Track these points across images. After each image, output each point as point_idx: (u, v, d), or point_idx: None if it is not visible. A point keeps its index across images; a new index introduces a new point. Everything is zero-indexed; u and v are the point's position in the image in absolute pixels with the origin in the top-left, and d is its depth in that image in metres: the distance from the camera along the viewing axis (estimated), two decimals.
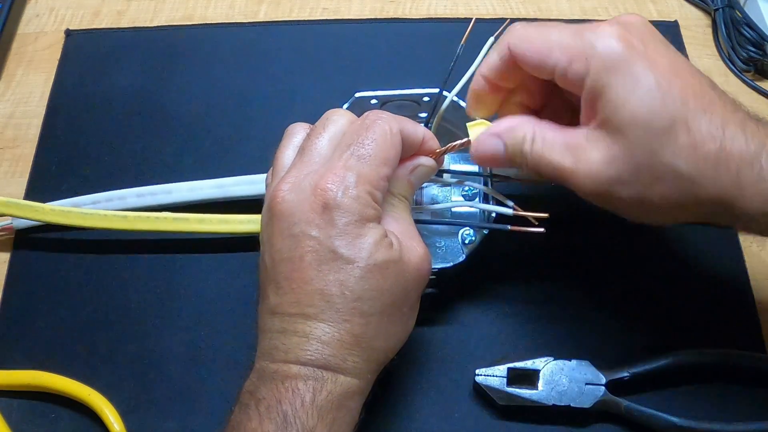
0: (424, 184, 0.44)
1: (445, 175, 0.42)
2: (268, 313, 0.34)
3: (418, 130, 0.37)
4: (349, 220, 0.33)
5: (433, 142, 0.38)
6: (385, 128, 0.35)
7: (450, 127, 0.45)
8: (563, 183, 0.35)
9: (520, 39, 0.36)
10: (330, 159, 0.35)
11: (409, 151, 0.37)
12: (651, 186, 0.33)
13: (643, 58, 0.33)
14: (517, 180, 0.43)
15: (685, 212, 0.34)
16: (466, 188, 0.44)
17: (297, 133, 0.38)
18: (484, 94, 0.39)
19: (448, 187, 0.45)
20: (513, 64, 0.36)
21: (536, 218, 0.38)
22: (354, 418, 0.34)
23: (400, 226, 0.36)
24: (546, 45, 0.35)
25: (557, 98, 0.39)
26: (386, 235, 0.34)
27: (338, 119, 0.37)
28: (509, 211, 0.39)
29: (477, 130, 0.38)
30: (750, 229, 0.34)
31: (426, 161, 0.37)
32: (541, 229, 0.38)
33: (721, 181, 0.32)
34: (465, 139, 0.38)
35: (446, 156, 0.44)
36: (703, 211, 0.34)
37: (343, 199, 0.33)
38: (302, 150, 0.36)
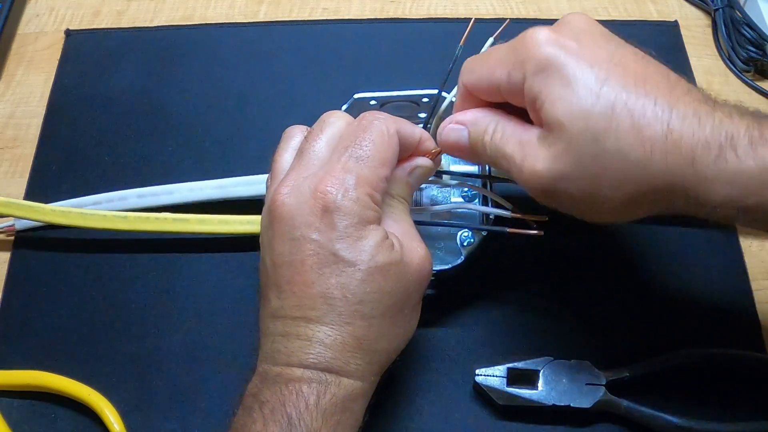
0: (423, 185, 0.44)
1: (444, 177, 0.43)
2: (269, 317, 0.34)
3: (415, 131, 0.37)
4: (349, 222, 0.33)
5: (429, 143, 0.38)
6: (383, 129, 0.35)
7: None
8: (514, 179, 0.35)
9: (468, 73, 0.37)
10: (329, 161, 0.35)
11: (406, 151, 0.37)
12: (599, 177, 0.32)
13: (575, 55, 0.32)
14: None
15: (641, 204, 0.33)
16: (465, 189, 0.44)
17: (294, 135, 0.38)
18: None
19: (447, 189, 0.45)
20: (472, 97, 0.37)
21: (535, 221, 0.38)
22: (358, 420, 0.34)
23: (400, 227, 0.36)
24: (488, 68, 0.35)
25: None
26: (387, 237, 0.34)
27: (335, 121, 0.37)
28: (508, 213, 0.39)
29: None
30: (714, 216, 0.32)
31: (424, 162, 0.37)
32: (540, 232, 0.38)
33: (675, 166, 0.31)
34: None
35: (448, 157, 0.45)
36: (661, 202, 0.32)
37: (343, 202, 0.33)
38: (300, 153, 0.36)
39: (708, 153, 0.30)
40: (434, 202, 0.44)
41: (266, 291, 0.35)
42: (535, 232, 0.38)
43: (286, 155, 0.37)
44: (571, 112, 0.32)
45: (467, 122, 0.37)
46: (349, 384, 0.33)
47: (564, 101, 0.32)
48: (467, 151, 0.37)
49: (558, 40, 0.33)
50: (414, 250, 0.35)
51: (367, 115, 0.36)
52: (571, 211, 0.35)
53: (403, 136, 0.36)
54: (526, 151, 0.34)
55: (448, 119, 0.38)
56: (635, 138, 0.31)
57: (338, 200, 0.33)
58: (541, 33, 0.34)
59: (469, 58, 0.37)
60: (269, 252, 0.35)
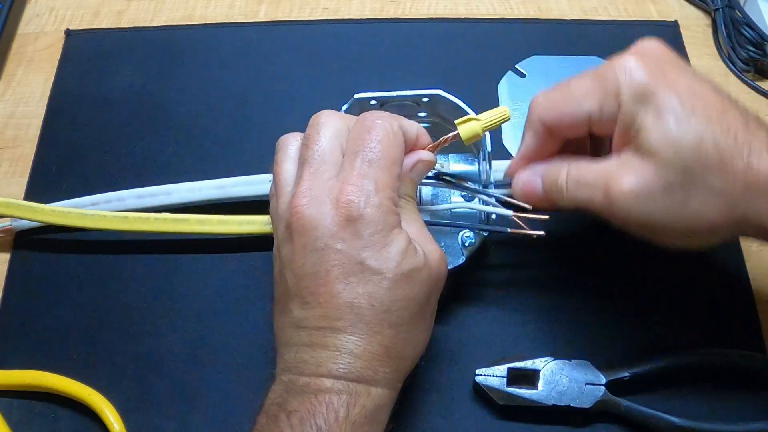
0: (423, 186, 0.44)
1: (445, 178, 0.43)
2: (292, 327, 0.34)
3: (413, 126, 0.37)
4: (374, 230, 0.33)
5: (425, 138, 0.38)
6: (387, 127, 0.35)
7: (450, 127, 0.45)
8: (599, 212, 0.36)
9: (548, 110, 0.37)
10: (342, 168, 0.34)
11: (406, 147, 0.37)
12: (685, 204, 0.33)
13: (665, 83, 0.34)
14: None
15: (718, 232, 0.34)
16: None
17: (290, 144, 0.37)
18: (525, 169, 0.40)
19: (448, 189, 0.45)
20: (549, 135, 0.38)
21: (536, 220, 0.38)
22: (383, 428, 0.34)
23: (413, 228, 0.36)
24: (575, 103, 0.36)
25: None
26: (411, 242, 0.34)
27: (329, 120, 0.36)
28: (509, 213, 0.39)
29: (466, 125, 0.39)
30: None
31: (425, 156, 0.37)
32: (541, 232, 0.38)
33: (753, 199, 0.32)
34: (455, 132, 0.39)
35: (448, 158, 0.45)
36: (735, 231, 0.34)
37: (366, 210, 0.33)
38: (305, 160, 0.35)
39: None
40: (435, 202, 0.44)
41: (286, 302, 0.34)
42: (536, 232, 0.38)
43: (287, 165, 0.37)
44: (665, 140, 0.33)
45: (539, 170, 0.38)
46: (377, 394, 0.33)
47: (658, 128, 0.33)
48: (544, 199, 0.38)
49: (651, 68, 0.34)
50: (432, 252, 0.35)
51: (368, 116, 0.36)
52: (656, 237, 0.36)
53: (404, 132, 0.36)
54: (610, 176, 0.35)
55: (520, 171, 0.39)
56: (720, 171, 0.32)
57: (361, 208, 0.33)
58: (630, 61, 0.35)
59: (542, 94, 0.38)
60: (289, 264, 0.34)
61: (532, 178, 0.39)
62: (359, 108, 0.44)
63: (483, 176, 0.43)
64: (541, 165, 0.39)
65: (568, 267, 0.46)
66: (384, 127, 0.35)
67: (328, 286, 0.33)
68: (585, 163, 0.37)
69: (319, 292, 0.33)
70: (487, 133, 0.44)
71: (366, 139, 0.35)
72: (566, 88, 0.37)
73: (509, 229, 0.39)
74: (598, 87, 0.35)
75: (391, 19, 0.58)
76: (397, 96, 0.44)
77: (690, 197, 0.33)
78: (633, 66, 0.34)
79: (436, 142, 0.38)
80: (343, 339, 0.33)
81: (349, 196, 0.33)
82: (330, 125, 0.36)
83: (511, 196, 0.40)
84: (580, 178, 0.36)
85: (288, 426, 0.31)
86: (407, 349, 0.34)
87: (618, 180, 0.34)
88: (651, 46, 0.36)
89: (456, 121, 0.39)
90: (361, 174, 0.34)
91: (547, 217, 0.38)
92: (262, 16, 0.59)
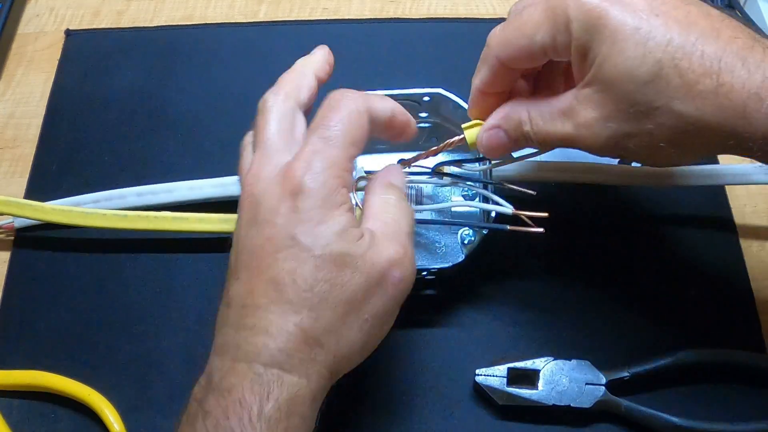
0: (424, 185, 0.44)
1: (445, 177, 0.42)
2: (224, 307, 0.33)
3: (387, 106, 0.36)
4: (313, 204, 0.32)
5: (403, 116, 0.37)
6: (352, 107, 0.35)
7: (450, 127, 0.45)
8: (574, 147, 0.35)
9: (503, 45, 0.35)
10: (301, 145, 0.34)
11: (379, 128, 0.36)
12: (656, 132, 0.32)
13: (619, 4, 0.31)
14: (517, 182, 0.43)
15: (694, 150, 0.33)
16: (466, 188, 0.44)
17: (250, 142, 0.38)
18: (485, 102, 0.38)
19: (448, 188, 0.45)
20: (506, 68, 0.36)
21: (536, 218, 0.38)
22: (308, 426, 0.32)
23: (382, 223, 0.35)
24: (527, 38, 0.34)
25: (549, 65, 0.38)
26: (355, 226, 0.33)
27: (273, 104, 0.36)
28: (509, 210, 0.39)
29: (472, 130, 0.38)
30: (763, 153, 0.32)
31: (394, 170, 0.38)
32: (541, 229, 0.38)
33: (726, 115, 0.30)
34: (461, 136, 0.38)
35: (448, 157, 0.45)
36: (713, 145, 0.32)
37: (309, 184, 0.32)
38: (256, 146, 0.35)
39: (760, 104, 0.30)
40: (434, 201, 0.44)
41: (226, 282, 0.34)
42: (536, 229, 0.38)
43: (245, 154, 0.37)
44: (619, 73, 0.31)
45: (500, 123, 0.37)
46: (292, 383, 0.31)
47: (612, 59, 0.31)
48: (514, 148, 0.37)
49: None
50: (384, 249, 0.33)
51: (336, 93, 0.35)
52: (633, 159, 0.35)
53: (374, 111, 0.35)
54: (575, 119, 0.33)
55: (482, 128, 0.37)
56: (686, 95, 0.30)
57: (305, 183, 0.32)
58: None
59: (496, 30, 0.36)
60: (235, 242, 0.34)
61: (493, 131, 0.37)
62: None
63: (483, 175, 0.43)
64: (498, 113, 0.37)
65: (569, 267, 0.46)
66: (348, 107, 0.34)
67: (259, 260, 0.32)
68: (544, 104, 0.35)
69: (251, 267, 0.32)
70: None
71: (327, 117, 0.34)
72: (518, 20, 0.35)
73: (509, 227, 0.39)
74: (548, 18, 0.33)
75: (391, 19, 0.58)
76: (398, 95, 0.44)
77: (659, 125, 0.31)
78: None
79: (440, 145, 0.38)
80: (262, 317, 0.31)
81: (296, 171, 0.32)
82: (275, 108, 0.36)
83: (509, 196, 0.40)
84: (545, 123, 0.35)
85: (204, 429, 0.30)
86: (329, 341, 0.32)
87: (582, 119, 0.33)
88: None
89: (463, 125, 0.39)
90: (314, 150, 0.33)
91: (546, 215, 0.38)
92: (262, 16, 0.59)
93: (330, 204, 0.32)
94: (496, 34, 0.36)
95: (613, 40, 0.31)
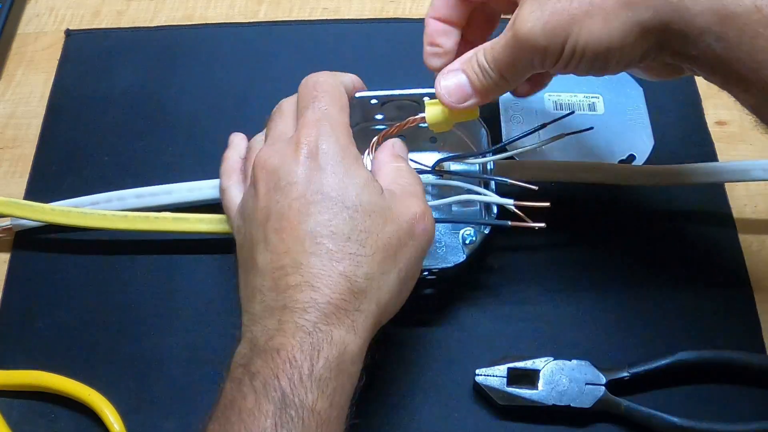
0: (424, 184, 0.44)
1: (445, 176, 0.43)
2: (257, 277, 0.33)
3: (346, 78, 0.40)
4: (333, 160, 0.34)
5: (359, 83, 0.42)
6: (330, 81, 0.38)
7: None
8: (536, 70, 0.35)
9: None
10: (297, 124, 0.36)
11: (348, 96, 0.39)
12: (588, 28, 0.32)
13: None
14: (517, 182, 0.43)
15: (635, 47, 0.32)
16: (467, 185, 0.44)
17: (240, 143, 0.43)
18: (439, 37, 0.40)
19: (448, 188, 0.45)
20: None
21: (537, 209, 0.38)
22: (354, 383, 0.32)
23: (398, 186, 0.36)
24: None
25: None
26: (374, 180, 0.35)
27: (280, 119, 0.39)
28: (510, 201, 0.38)
29: (433, 108, 0.39)
30: (699, 60, 0.32)
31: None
32: (542, 224, 0.38)
33: (656, 4, 0.30)
34: (421, 115, 0.40)
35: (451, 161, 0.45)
36: (653, 42, 0.32)
37: (324, 144, 0.34)
38: (267, 133, 0.39)
39: None
40: (435, 199, 0.44)
41: (250, 257, 0.34)
42: (537, 224, 0.38)
43: (234, 154, 0.41)
44: None
45: (455, 65, 0.37)
46: (341, 339, 0.31)
47: None
48: (475, 89, 0.37)
49: None
50: (408, 205, 0.35)
51: (311, 76, 0.38)
52: (582, 72, 0.35)
53: (345, 84, 0.39)
54: (520, 16, 0.33)
55: (439, 74, 0.38)
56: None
57: (320, 144, 0.34)
58: None
59: None
60: (253, 215, 0.35)
61: (450, 73, 0.37)
62: (360, 108, 0.45)
63: (482, 171, 0.43)
64: (454, 64, 0.37)
65: (569, 267, 0.46)
66: (327, 81, 0.37)
67: (291, 219, 0.33)
68: (495, 39, 0.36)
69: (282, 228, 0.33)
70: (486, 132, 0.44)
71: (314, 95, 0.37)
72: None
73: (510, 223, 0.39)
74: None
75: (391, 19, 0.58)
76: (398, 95, 0.44)
77: (590, 18, 0.31)
78: None
79: (400, 123, 0.40)
80: (304, 272, 0.32)
81: (308, 137, 0.35)
82: (281, 123, 0.39)
83: (510, 192, 0.40)
84: (492, 44, 0.35)
85: (252, 391, 0.30)
86: (372, 287, 0.33)
87: (521, 22, 0.33)
88: None
89: (425, 101, 0.40)
90: (315, 118, 0.35)
91: (547, 204, 0.38)
92: (262, 16, 0.59)
93: (349, 159, 0.34)
94: None
95: None
